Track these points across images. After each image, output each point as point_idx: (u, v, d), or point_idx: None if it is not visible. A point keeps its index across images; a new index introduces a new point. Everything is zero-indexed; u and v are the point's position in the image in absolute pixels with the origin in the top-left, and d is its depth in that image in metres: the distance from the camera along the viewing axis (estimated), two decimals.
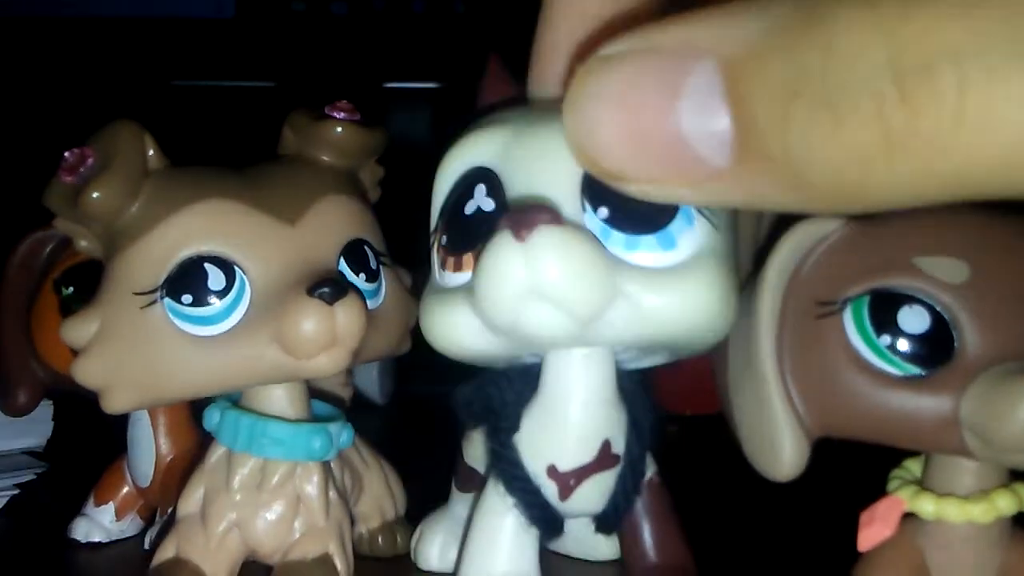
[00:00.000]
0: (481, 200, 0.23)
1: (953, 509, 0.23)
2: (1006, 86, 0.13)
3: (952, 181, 0.14)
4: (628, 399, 0.25)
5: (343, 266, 0.28)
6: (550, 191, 0.22)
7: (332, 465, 0.30)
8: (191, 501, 0.29)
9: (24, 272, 0.37)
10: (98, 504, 0.36)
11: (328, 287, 0.26)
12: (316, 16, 0.70)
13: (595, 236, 0.22)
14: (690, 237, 0.22)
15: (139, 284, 0.26)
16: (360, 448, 0.33)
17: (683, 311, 0.22)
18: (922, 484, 0.25)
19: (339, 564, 0.29)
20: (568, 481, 0.24)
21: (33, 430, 0.46)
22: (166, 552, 0.28)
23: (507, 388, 0.25)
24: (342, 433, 0.30)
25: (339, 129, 0.30)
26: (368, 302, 0.28)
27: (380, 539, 0.34)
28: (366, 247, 0.29)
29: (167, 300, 0.26)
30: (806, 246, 0.24)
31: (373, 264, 0.29)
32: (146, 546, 0.34)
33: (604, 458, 0.24)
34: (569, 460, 0.24)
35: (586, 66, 0.17)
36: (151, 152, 0.27)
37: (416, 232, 0.28)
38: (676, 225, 0.22)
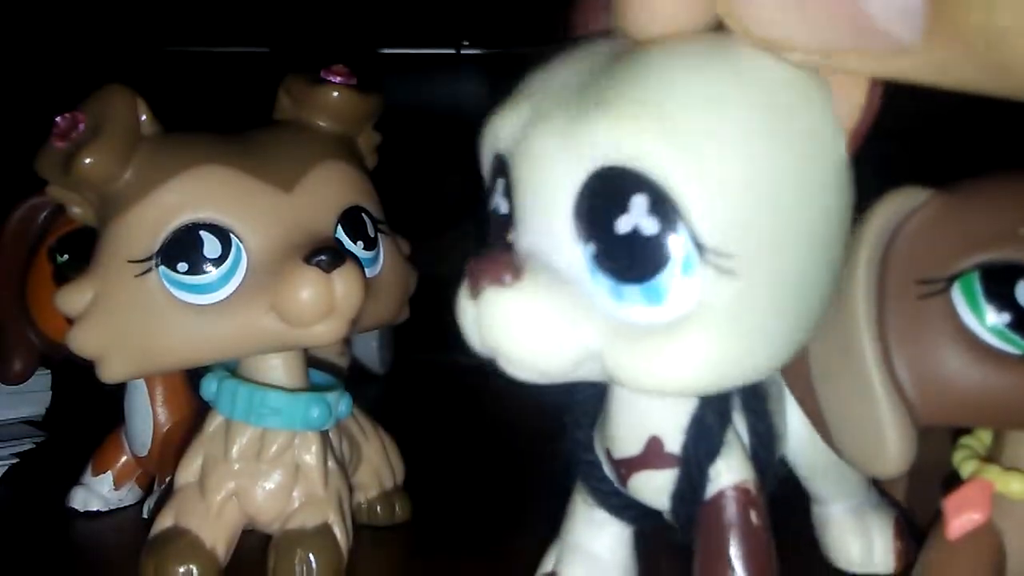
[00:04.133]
0: (499, 199, 0.20)
1: None
2: None
3: None
4: (703, 396, 0.22)
5: (340, 233, 0.28)
6: (550, 206, 0.19)
7: (331, 434, 0.30)
8: (189, 470, 0.29)
9: (19, 240, 0.36)
10: (96, 473, 0.36)
11: (326, 255, 0.25)
12: None
13: (563, 290, 0.18)
14: (687, 290, 0.18)
15: (133, 252, 0.26)
16: (359, 418, 0.33)
17: (661, 378, 0.18)
18: (990, 460, 0.23)
19: (338, 533, 0.29)
20: (620, 469, 0.23)
21: (31, 399, 0.45)
22: (164, 521, 0.28)
23: None
24: (340, 402, 0.30)
25: (336, 93, 0.29)
26: (366, 270, 0.28)
27: (379, 508, 0.34)
28: (364, 214, 0.29)
29: (162, 268, 0.26)
30: (897, 219, 0.22)
31: (371, 231, 0.29)
32: (144, 515, 0.34)
33: (653, 455, 0.22)
34: (618, 449, 0.23)
35: None
36: (144, 117, 0.27)
37: (416, 201, 0.27)
38: (666, 275, 0.18)
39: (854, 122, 0.19)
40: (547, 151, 0.19)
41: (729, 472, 0.22)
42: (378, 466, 0.33)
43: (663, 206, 0.17)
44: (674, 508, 0.23)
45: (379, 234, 0.29)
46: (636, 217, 0.18)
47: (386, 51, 0.68)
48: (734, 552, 0.22)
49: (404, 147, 0.37)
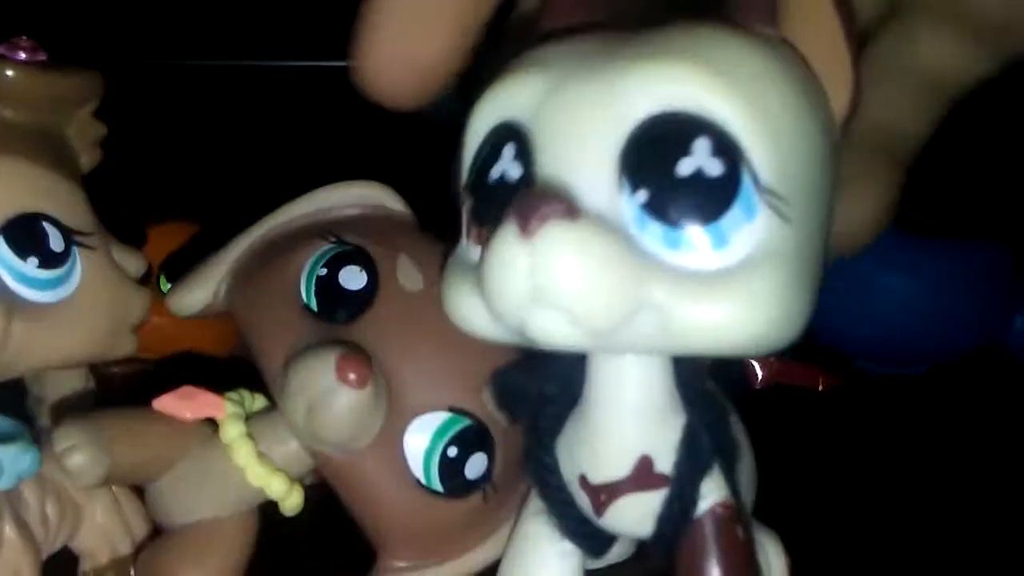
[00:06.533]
0: (507, 165, 0.20)
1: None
2: None
3: None
4: (692, 410, 0.21)
5: (1, 248, 0.23)
6: (584, 162, 0.18)
7: (26, 493, 0.25)
8: None
9: None
10: None
11: None
12: None
13: (619, 234, 0.18)
14: (748, 234, 0.18)
15: None
16: None
17: (725, 328, 0.18)
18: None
19: None
20: (599, 496, 0.22)
21: None
22: None
23: (547, 381, 0.23)
24: (22, 458, 0.24)
25: (9, 73, 0.24)
26: (42, 293, 0.23)
27: None
28: (47, 223, 0.23)
29: None
30: None
31: (57, 245, 0.24)
32: None
33: (642, 476, 0.21)
34: (599, 473, 0.21)
35: None
36: None
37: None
38: (731, 218, 0.18)
39: (844, 110, 0.20)
40: (584, 107, 0.19)
41: (717, 489, 0.22)
42: (108, 528, 0.28)
43: (727, 148, 0.18)
44: (660, 531, 0.22)
45: (76, 247, 0.24)
46: (699, 159, 0.18)
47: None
48: (723, 568, 0.21)
49: (401, 155, 0.36)
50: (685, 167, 0.18)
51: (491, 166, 0.20)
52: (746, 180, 0.18)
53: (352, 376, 0.22)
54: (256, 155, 0.55)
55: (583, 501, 0.22)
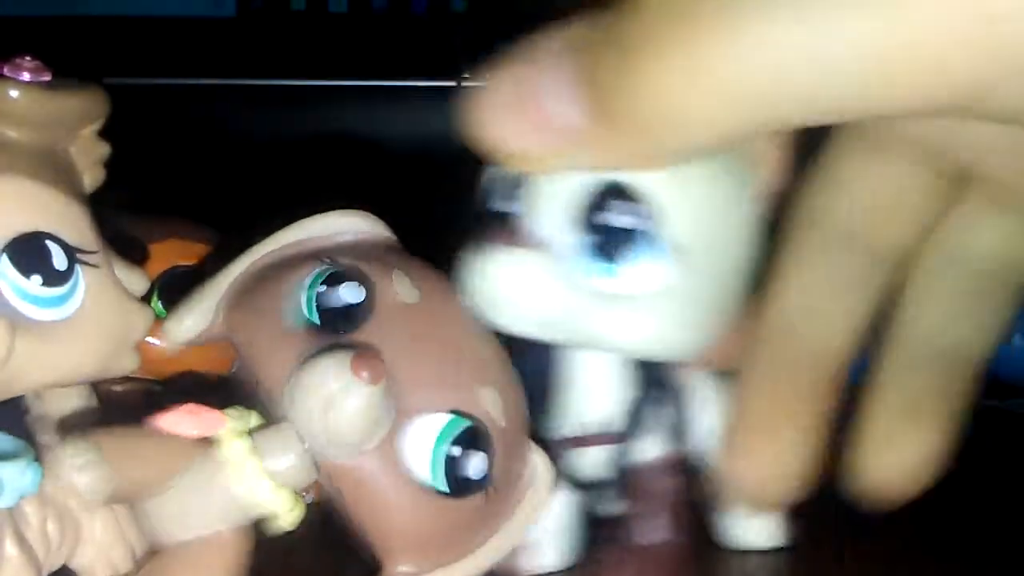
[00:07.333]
0: (510, 201, 0.27)
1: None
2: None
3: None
4: (643, 386, 0.28)
5: (5, 267, 0.23)
6: (557, 207, 0.26)
7: (27, 510, 0.25)
8: None
9: None
10: None
11: None
12: (316, 15, 0.69)
13: (551, 258, 0.25)
14: (656, 273, 0.25)
15: None
16: None
17: (623, 338, 0.26)
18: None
19: None
20: (570, 446, 0.29)
21: None
22: None
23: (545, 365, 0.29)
24: (24, 476, 0.24)
25: (14, 93, 0.24)
26: (46, 311, 0.23)
27: None
28: (50, 241, 0.23)
29: None
30: None
31: (60, 263, 0.24)
32: None
33: (595, 435, 0.29)
34: (566, 429, 0.29)
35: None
36: None
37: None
38: (645, 260, 0.25)
39: (768, 187, 0.27)
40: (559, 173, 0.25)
41: (654, 447, 0.29)
42: (107, 545, 0.28)
43: (649, 212, 0.25)
44: (611, 475, 0.29)
45: (79, 265, 0.24)
46: (628, 218, 0.25)
47: (386, 83, 0.68)
48: (659, 505, 0.29)
49: (402, 178, 0.41)
50: (618, 222, 0.25)
51: (500, 199, 0.27)
52: (656, 235, 0.25)
53: (365, 373, 0.22)
54: (253, 174, 0.55)
55: (561, 450, 0.29)
